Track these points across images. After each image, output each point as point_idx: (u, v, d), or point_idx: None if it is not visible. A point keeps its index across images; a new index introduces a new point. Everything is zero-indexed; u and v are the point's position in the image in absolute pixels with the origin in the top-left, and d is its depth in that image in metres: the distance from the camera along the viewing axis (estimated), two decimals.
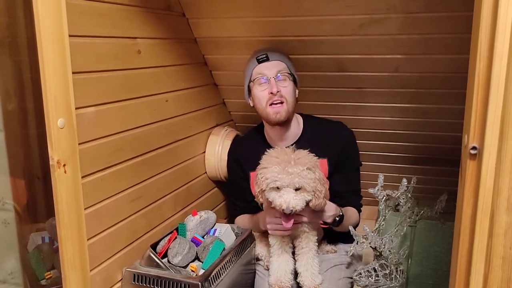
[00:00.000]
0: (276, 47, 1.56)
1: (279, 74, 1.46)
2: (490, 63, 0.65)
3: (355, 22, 1.47)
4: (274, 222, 1.36)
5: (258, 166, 1.33)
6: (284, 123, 1.51)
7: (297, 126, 1.58)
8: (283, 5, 1.48)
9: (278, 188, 1.25)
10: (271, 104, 1.46)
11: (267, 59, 1.48)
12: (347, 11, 1.44)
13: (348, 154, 1.56)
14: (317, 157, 1.33)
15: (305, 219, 1.33)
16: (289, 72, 1.49)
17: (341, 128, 1.59)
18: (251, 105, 1.56)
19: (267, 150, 1.35)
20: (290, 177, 1.22)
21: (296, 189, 1.24)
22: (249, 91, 1.54)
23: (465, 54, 0.76)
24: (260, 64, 1.48)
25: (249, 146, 1.62)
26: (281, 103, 1.46)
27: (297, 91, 1.54)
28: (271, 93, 1.44)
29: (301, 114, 1.63)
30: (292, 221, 1.28)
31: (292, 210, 1.23)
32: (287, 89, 1.47)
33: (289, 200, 1.22)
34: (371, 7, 1.40)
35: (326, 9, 1.45)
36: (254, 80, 1.49)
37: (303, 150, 1.32)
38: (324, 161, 1.52)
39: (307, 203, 1.28)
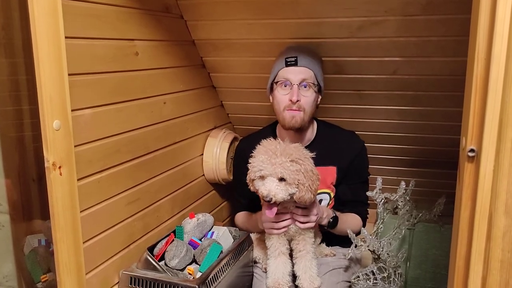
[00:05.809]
0: (309, 48, 1.52)
1: (303, 83, 1.44)
2: (488, 65, 0.65)
3: (353, 24, 1.46)
4: (268, 220, 1.36)
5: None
6: (298, 129, 1.50)
7: (310, 131, 1.58)
8: (281, 7, 1.48)
9: (264, 177, 1.27)
10: (288, 109, 1.45)
11: (295, 64, 1.44)
12: (345, 14, 1.43)
13: (357, 165, 1.56)
14: (316, 163, 1.32)
15: (289, 216, 1.33)
16: (315, 82, 1.46)
17: (354, 139, 1.60)
18: (271, 101, 1.55)
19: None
20: (273, 167, 1.24)
21: (281, 180, 1.25)
22: (271, 88, 1.52)
23: (463, 57, 0.75)
24: (287, 68, 1.45)
25: (258, 144, 1.61)
26: (299, 110, 1.45)
27: (319, 98, 1.52)
28: (291, 100, 1.43)
29: (316, 119, 1.61)
30: (274, 211, 1.28)
31: (271, 198, 1.24)
32: (307, 98, 1.45)
33: (269, 188, 1.24)
34: (369, 9, 1.40)
35: (324, 11, 1.45)
36: (277, 82, 1.47)
37: (295, 144, 1.32)
38: (334, 169, 1.53)
39: (292, 197, 1.27)
